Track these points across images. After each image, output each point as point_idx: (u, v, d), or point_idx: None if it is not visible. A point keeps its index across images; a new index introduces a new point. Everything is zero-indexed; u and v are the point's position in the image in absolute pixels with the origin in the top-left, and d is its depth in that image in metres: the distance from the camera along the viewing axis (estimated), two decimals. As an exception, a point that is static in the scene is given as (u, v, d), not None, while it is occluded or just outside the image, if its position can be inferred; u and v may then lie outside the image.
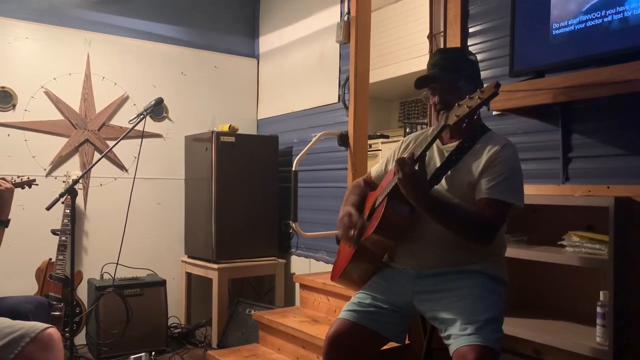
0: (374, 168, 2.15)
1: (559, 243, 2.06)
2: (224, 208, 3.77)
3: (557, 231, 2.10)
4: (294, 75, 4.23)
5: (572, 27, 2.09)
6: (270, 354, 3.02)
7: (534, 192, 2.29)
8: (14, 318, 1.92)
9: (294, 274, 3.97)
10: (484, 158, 1.72)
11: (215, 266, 3.69)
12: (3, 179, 2.16)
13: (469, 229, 1.68)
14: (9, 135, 3.62)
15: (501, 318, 1.68)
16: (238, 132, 3.96)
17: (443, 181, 1.77)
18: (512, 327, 2.02)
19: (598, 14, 2.00)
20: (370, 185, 2.12)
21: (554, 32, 2.15)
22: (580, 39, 2.06)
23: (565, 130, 2.28)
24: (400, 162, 1.60)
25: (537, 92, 2.11)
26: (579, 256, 1.94)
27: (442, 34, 2.82)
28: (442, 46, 2.80)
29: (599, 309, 1.86)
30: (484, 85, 1.60)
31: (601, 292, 1.87)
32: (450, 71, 1.81)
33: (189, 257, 4.12)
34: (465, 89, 1.72)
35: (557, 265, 2.12)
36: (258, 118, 4.70)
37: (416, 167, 1.62)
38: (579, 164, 2.24)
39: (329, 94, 3.82)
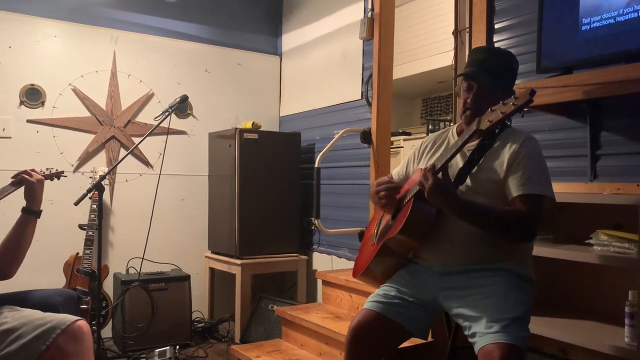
0: (395, 171, 2.15)
1: (586, 242, 2.03)
2: (247, 204, 3.80)
3: (584, 229, 2.07)
4: (316, 72, 4.23)
5: (602, 22, 2.05)
6: (293, 350, 3.04)
7: (561, 189, 2.25)
8: (44, 310, 1.97)
9: (315, 270, 3.99)
10: (507, 156, 1.73)
11: (239, 262, 3.73)
12: (33, 170, 2.19)
13: (510, 229, 1.67)
14: (38, 131, 3.70)
15: (528, 316, 1.66)
16: (261, 129, 3.97)
17: (468, 181, 1.76)
18: (539, 326, 2.00)
19: (630, 8, 1.96)
20: None
21: (583, 27, 2.12)
22: (610, 35, 2.02)
23: (594, 127, 2.24)
24: (423, 176, 1.63)
25: (565, 88, 2.08)
26: (607, 255, 1.91)
27: (467, 30, 2.80)
28: (467, 43, 2.77)
29: (627, 309, 1.83)
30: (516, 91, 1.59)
31: (630, 292, 1.84)
32: (493, 78, 1.80)
33: (212, 252, 4.17)
34: (499, 97, 1.66)
35: (584, 264, 2.08)
36: (280, 115, 4.72)
37: (439, 176, 1.63)
38: (607, 162, 2.21)
39: (352, 91, 3.81)
